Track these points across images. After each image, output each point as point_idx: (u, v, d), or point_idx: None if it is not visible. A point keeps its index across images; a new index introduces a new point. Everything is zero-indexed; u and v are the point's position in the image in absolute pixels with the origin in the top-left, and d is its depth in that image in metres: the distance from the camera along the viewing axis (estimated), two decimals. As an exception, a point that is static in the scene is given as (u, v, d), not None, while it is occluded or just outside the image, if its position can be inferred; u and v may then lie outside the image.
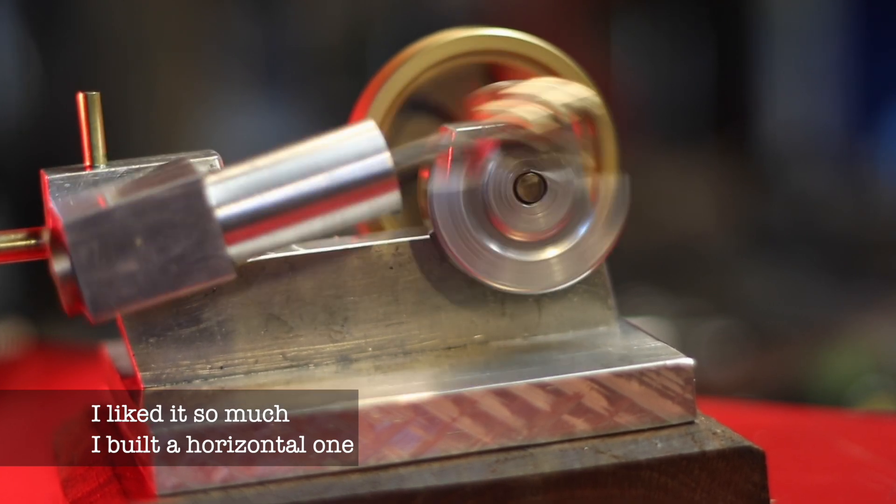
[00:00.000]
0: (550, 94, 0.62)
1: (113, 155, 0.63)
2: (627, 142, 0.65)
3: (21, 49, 1.62)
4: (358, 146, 0.60)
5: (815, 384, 1.43)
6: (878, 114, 1.76)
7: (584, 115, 0.62)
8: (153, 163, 0.63)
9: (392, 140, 0.67)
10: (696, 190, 1.77)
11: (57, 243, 0.58)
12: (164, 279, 0.59)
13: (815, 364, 1.46)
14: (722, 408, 0.69)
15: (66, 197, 0.61)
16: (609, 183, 0.64)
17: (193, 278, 0.59)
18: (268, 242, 0.60)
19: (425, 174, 0.63)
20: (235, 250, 0.59)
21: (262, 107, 1.71)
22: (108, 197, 0.59)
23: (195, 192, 0.59)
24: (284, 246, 0.61)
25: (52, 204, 0.60)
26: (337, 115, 0.67)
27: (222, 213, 0.59)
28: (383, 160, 0.60)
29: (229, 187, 0.59)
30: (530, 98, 0.62)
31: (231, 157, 0.62)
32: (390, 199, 0.61)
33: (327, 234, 0.61)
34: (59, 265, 0.58)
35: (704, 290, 1.64)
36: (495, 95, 0.63)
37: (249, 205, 0.59)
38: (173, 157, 0.63)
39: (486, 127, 0.62)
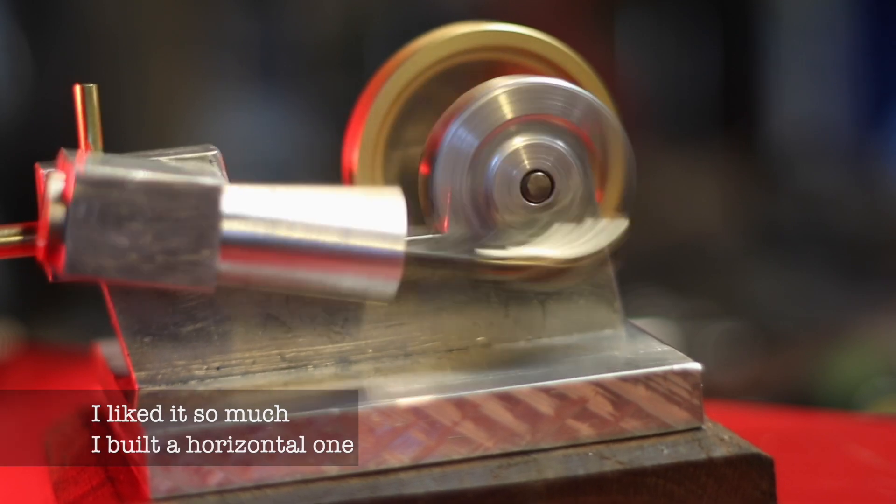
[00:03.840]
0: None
1: (107, 150, 0.62)
2: (632, 140, 0.64)
3: (13, 43, 1.62)
4: (380, 218, 0.59)
5: (823, 387, 1.43)
6: (888, 111, 1.76)
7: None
8: (150, 157, 0.62)
9: (394, 137, 0.66)
10: (702, 189, 1.77)
11: (63, 192, 0.58)
12: (146, 266, 0.58)
13: (823, 366, 1.46)
14: (729, 411, 0.69)
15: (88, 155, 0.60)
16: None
17: (175, 277, 0.58)
18: (257, 275, 0.59)
19: (424, 171, 0.62)
20: (225, 267, 0.58)
21: (257, 102, 1.71)
22: (128, 167, 0.58)
23: (211, 197, 0.58)
24: (267, 288, 0.60)
25: (70, 154, 0.59)
26: (333, 111, 0.66)
27: (229, 226, 0.58)
28: (398, 243, 0.59)
29: (246, 205, 0.58)
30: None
31: (227, 153, 0.62)
32: (388, 285, 0.59)
33: (312, 293, 0.60)
34: (56, 212, 0.57)
35: (711, 291, 1.63)
36: None
37: (258, 230, 0.58)
38: (171, 151, 0.62)
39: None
